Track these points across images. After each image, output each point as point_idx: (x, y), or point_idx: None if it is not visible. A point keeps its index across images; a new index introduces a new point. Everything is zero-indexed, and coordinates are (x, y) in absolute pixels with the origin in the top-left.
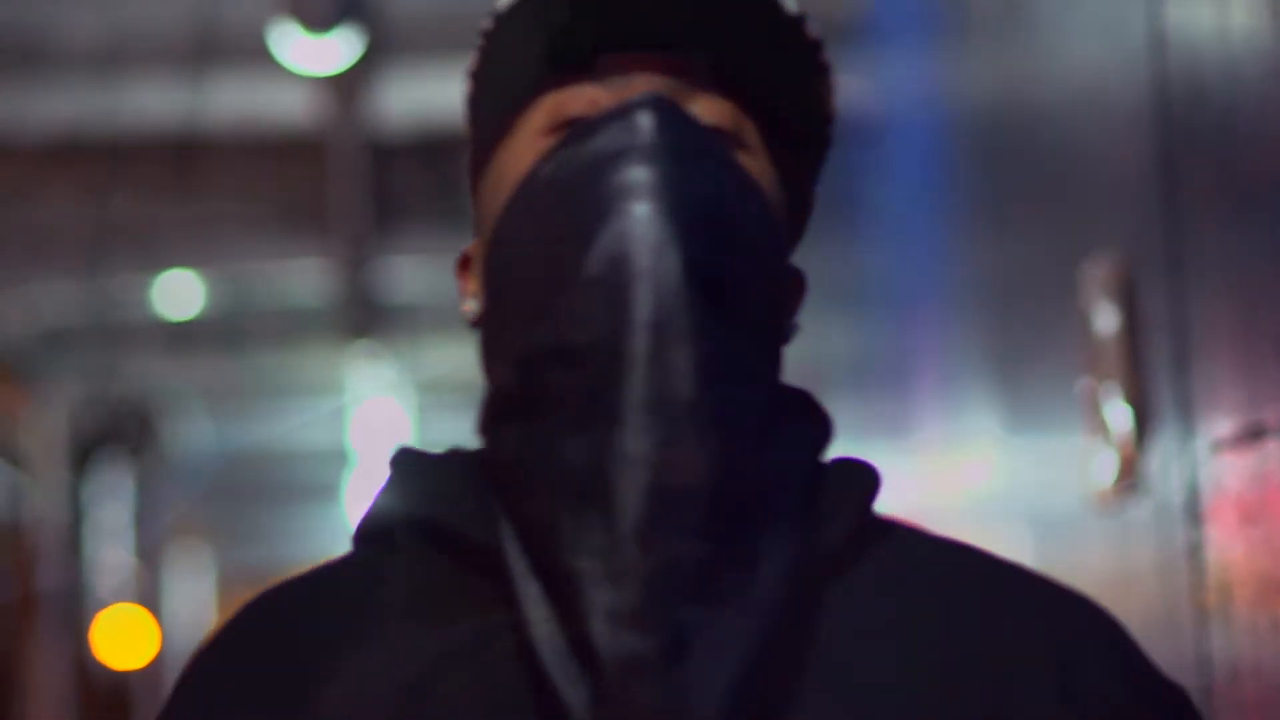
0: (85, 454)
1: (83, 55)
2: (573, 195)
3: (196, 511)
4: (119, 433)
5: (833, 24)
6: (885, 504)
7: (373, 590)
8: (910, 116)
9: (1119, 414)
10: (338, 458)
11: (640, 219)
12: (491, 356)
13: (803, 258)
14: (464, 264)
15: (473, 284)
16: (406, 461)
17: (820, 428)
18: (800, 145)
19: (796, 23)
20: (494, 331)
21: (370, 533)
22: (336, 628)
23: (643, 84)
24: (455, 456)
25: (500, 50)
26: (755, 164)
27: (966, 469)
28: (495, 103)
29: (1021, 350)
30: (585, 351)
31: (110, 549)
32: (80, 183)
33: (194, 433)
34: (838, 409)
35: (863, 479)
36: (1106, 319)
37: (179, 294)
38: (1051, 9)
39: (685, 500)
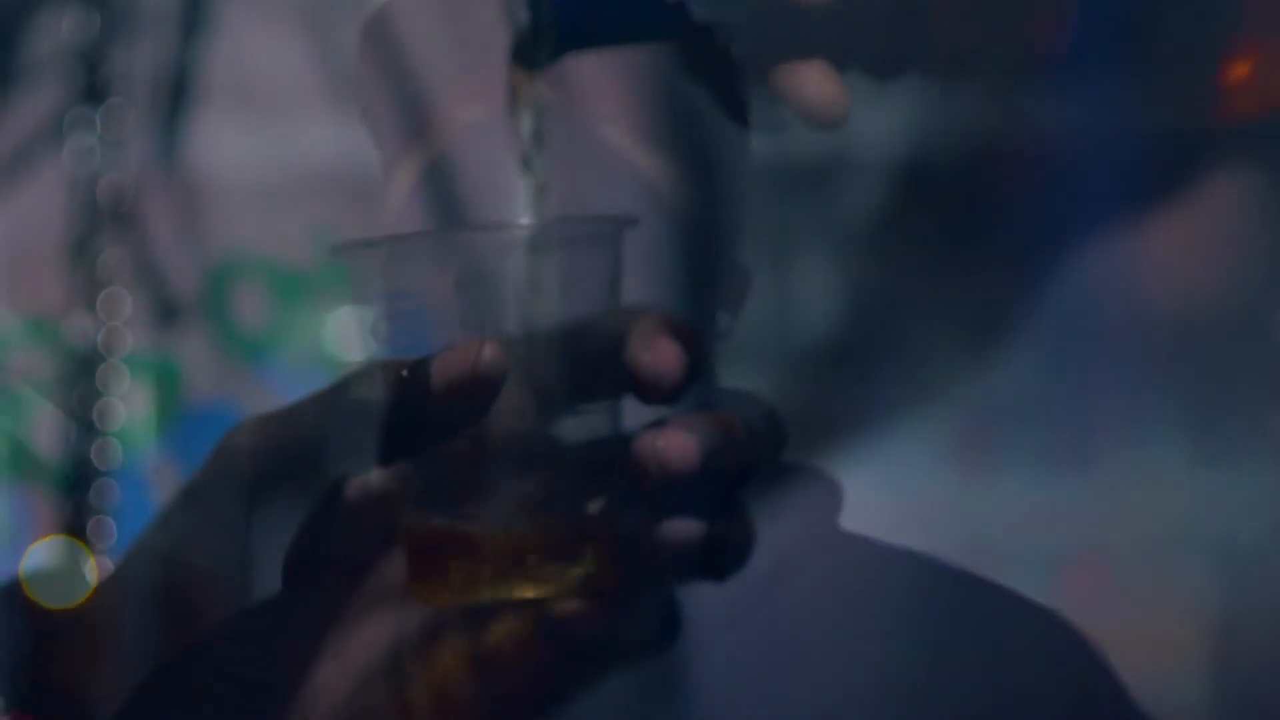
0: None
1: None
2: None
3: None
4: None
5: (1023, 56)
6: (1023, 534)
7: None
8: (1098, 149)
9: None
10: None
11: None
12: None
13: (986, 291)
14: None
15: None
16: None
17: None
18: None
19: (681, 5)
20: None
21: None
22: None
23: (528, 96)
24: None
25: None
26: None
27: (1152, 503)
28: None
29: (1209, 381)
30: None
31: None
32: None
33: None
34: (1019, 442)
35: (817, 489)
36: None
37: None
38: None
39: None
